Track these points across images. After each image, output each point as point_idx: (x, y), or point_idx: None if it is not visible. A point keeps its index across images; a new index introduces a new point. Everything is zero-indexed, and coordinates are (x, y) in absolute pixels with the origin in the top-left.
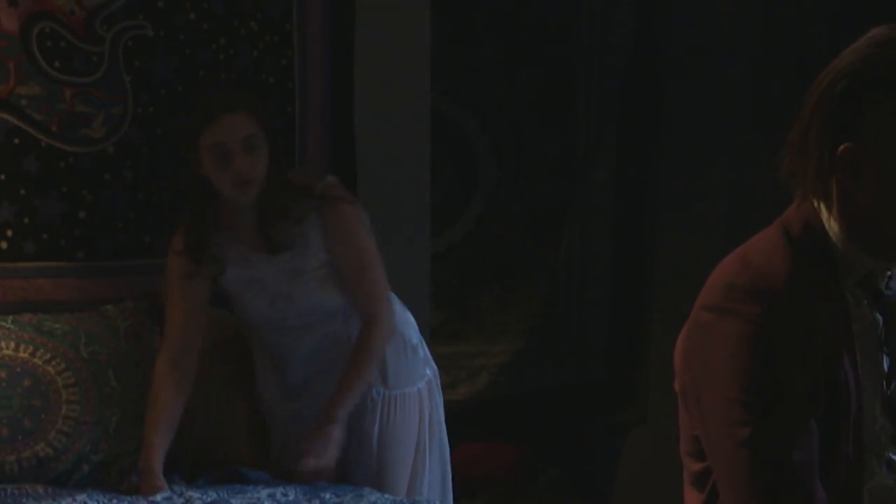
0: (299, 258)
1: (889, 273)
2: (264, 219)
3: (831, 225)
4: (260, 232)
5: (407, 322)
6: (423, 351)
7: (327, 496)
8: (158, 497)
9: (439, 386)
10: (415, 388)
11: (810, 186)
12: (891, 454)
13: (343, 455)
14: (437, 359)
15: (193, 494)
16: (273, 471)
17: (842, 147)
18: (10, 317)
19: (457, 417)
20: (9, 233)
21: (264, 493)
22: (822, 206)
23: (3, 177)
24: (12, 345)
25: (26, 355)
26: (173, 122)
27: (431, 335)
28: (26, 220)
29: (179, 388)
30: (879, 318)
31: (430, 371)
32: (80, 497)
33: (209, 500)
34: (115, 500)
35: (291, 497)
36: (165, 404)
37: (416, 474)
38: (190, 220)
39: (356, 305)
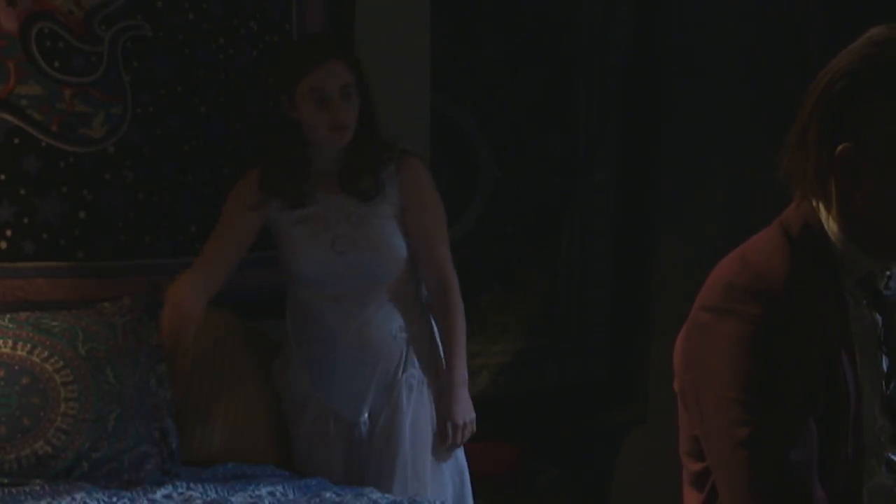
0: (372, 205)
1: (888, 273)
2: (350, 165)
3: (830, 225)
4: (341, 176)
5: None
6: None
7: (328, 495)
8: (158, 495)
9: None
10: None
11: (809, 186)
12: (890, 454)
13: (368, 445)
14: None
15: (193, 493)
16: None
17: (840, 147)
18: (8, 315)
19: None
20: (8, 233)
21: (265, 490)
22: (821, 206)
23: (3, 177)
24: (10, 343)
25: (24, 353)
26: (173, 121)
27: None
28: (26, 220)
29: (200, 289)
30: (879, 318)
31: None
32: (80, 495)
33: (209, 498)
34: (114, 498)
35: (292, 496)
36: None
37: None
38: (272, 158)
39: (425, 266)
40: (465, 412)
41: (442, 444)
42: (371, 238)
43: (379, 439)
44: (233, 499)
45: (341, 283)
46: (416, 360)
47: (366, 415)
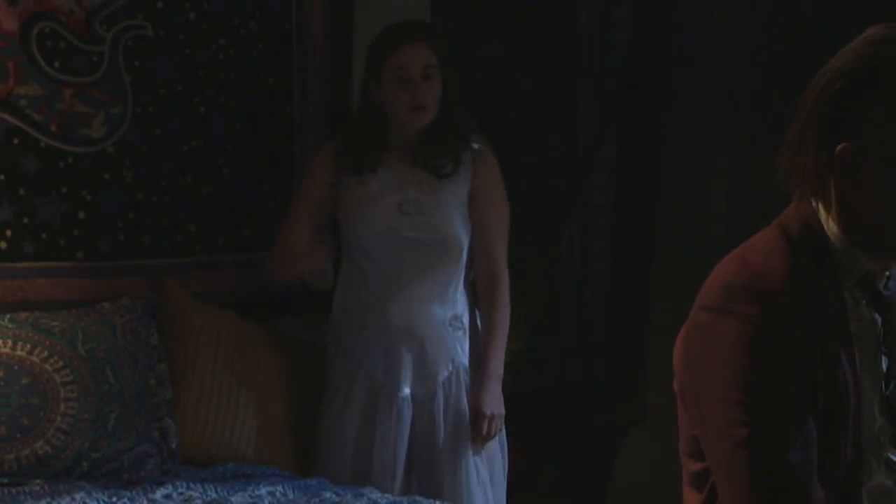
0: (446, 182)
1: (888, 273)
2: (428, 144)
3: (829, 225)
4: (416, 153)
5: None
6: None
7: (328, 495)
8: (158, 495)
9: None
10: None
11: (808, 186)
12: (889, 454)
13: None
14: None
15: (193, 493)
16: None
17: (839, 147)
18: (8, 315)
19: None
20: (8, 233)
21: (264, 490)
22: (821, 206)
23: (2, 177)
24: (10, 343)
25: (24, 353)
26: (173, 121)
27: None
28: (26, 220)
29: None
30: (878, 318)
31: None
32: (80, 495)
33: (209, 498)
34: (114, 498)
35: (291, 496)
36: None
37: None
38: (349, 134)
39: (479, 257)
40: (495, 405)
41: (472, 433)
42: (438, 207)
43: (444, 427)
44: (232, 499)
45: (400, 251)
46: (468, 352)
47: (407, 391)
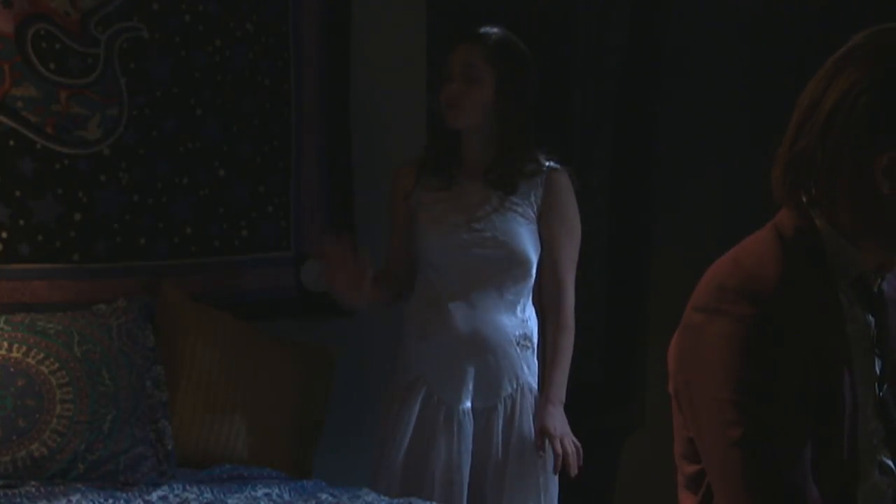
0: (513, 199)
1: (881, 274)
2: (493, 159)
3: (823, 226)
4: (485, 169)
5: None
6: None
7: (324, 496)
8: (154, 497)
9: None
10: None
11: (827, 192)
12: (883, 456)
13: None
14: None
15: (189, 495)
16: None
17: (886, 157)
18: (4, 317)
19: None
20: (4, 235)
21: (261, 492)
22: (815, 208)
23: None
24: (5, 345)
25: (20, 355)
26: (169, 123)
27: None
28: (21, 222)
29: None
30: (871, 319)
31: None
32: (75, 497)
33: (205, 500)
34: (110, 500)
35: (287, 497)
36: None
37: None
38: (430, 141)
39: (545, 278)
40: (560, 426)
41: (536, 452)
42: (508, 224)
43: (504, 446)
44: (229, 500)
45: (468, 266)
46: (537, 371)
47: (468, 404)
